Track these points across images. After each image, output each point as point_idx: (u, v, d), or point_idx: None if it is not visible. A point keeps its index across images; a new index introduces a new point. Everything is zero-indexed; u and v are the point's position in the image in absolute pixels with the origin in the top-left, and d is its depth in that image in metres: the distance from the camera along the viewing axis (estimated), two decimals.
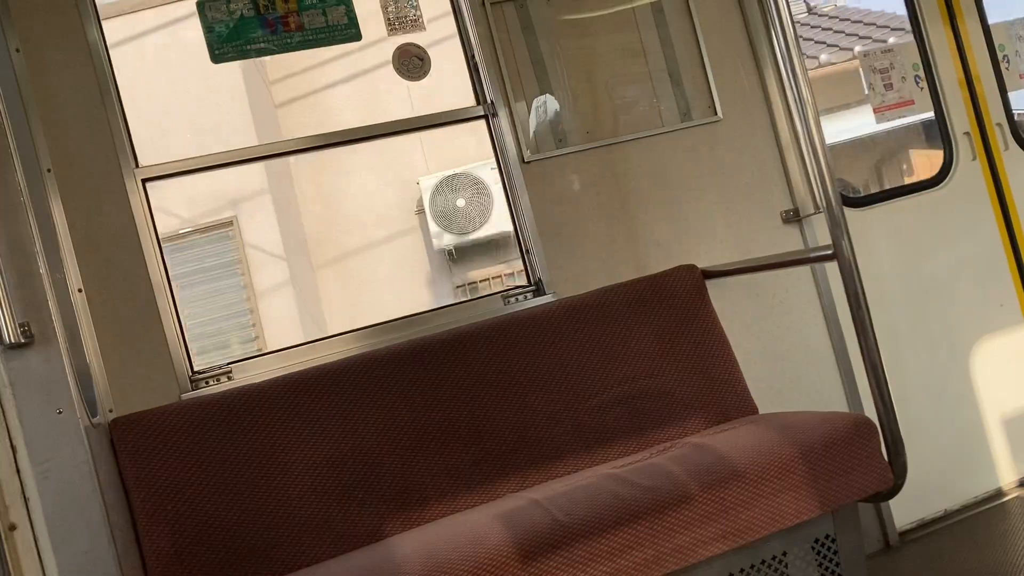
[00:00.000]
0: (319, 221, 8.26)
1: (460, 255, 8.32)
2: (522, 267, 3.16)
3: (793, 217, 3.35)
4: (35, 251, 2.11)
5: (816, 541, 2.43)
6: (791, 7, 2.48)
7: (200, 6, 2.81)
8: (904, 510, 3.29)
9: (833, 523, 2.45)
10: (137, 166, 2.72)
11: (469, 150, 7.97)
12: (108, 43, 2.74)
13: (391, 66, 3.04)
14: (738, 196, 3.32)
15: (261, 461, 2.48)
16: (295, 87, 8.32)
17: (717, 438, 2.50)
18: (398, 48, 3.05)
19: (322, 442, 2.54)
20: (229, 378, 2.73)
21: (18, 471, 1.93)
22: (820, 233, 3.30)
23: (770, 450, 2.30)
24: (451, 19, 3.15)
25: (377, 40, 3.05)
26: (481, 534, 2.09)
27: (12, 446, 1.93)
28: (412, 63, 3.06)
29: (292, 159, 7.99)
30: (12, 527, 1.90)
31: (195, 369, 2.73)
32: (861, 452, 2.35)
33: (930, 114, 3.69)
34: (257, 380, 2.65)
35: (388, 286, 8.15)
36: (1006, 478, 3.52)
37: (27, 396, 1.99)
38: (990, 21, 3.75)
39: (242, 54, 2.86)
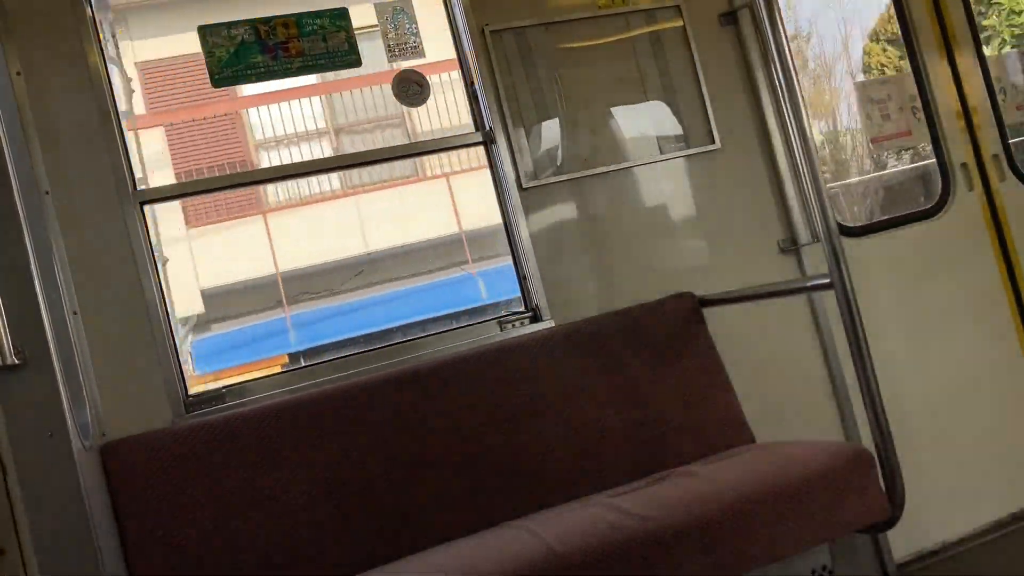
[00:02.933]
0: None
1: None
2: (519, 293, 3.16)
3: (790, 246, 3.35)
4: (31, 272, 2.10)
5: (813, 572, 2.41)
6: (788, 37, 2.50)
7: (201, 31, 2.83)
8: (903, 542, 3.26)
9: (830, 554, 2.43)
10: (135, 189, 2.72)
11: None
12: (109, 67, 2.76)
13: None
14: (735, 224, 3.33)
15: (254, 487, 2.46)
16: None
17: (713, 467, 2.49)
18: (397, 74, 3.07)
19: (316, 468, 2.52)
20: (224, 402, 2.71)
21: (8, 495, 1.91)
22: (817, 262, 3.30)
23: (766, 480, 2.28)
24: None
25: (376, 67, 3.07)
26: (475, 563, 2.07)
27: (3, 468, 1.91)
28: (412, 89, 3.07)
29: None
30: (1, 552, 1.88)
31: (190, 393, 2.71)
32: (858, 483, 2.34)
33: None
34: (252, 405, 2.63)
35: None
36: (1005, 510, 3.49)
37: (19, 418, 1.97)
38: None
39: (242, 79, 2.87)
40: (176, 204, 7.61)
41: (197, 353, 8.08)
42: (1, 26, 2.52)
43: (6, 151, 2.14)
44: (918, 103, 3.69)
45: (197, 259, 8.48)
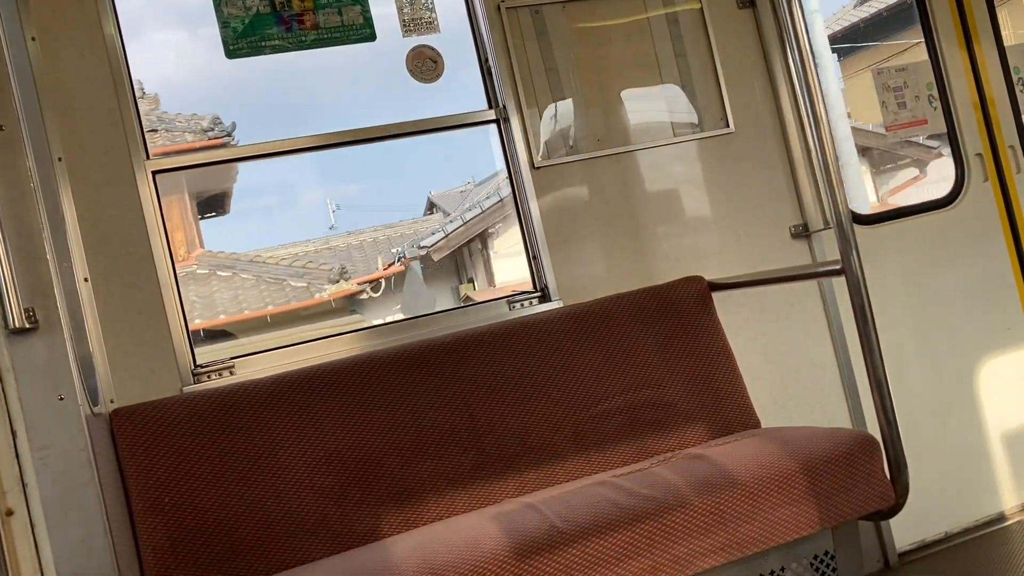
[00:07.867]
0: None
1: None
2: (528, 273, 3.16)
3: (802, 232, 3.34)
4: (43, 238, 2.11)
5: (815, 557, 2.42)
6: (806, 21, 2.48)
7: (216, 2, 2.82)
8: (905, 530, 3.26)
9: (833, 540, 2.44)
10: (148, 158, 2.72)
11: None
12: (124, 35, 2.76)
13: None
14: (747, 209, 3.32)
15: (260, 457, 2.47)
16: None
17: (718, 450, 2.49)
18: (412, 50, 3.06)
19: (321, 440, 2.53)
20: (231, 373, 2.73)
21: (17, 456, 1.93)
22: (829, 249, 3.29)
23: (771, 463, 2.29)
24: None
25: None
26: (477, 537, 2.09)
27: (12, 430, 1.93)
28: (426, 65, 3.06)
29: None
30: (9, 512, 1.90)
31: (197, 363, 2.72)
32: (863, 469, 2.34)
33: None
34: (259, 376, 2.65)
35: None
36: (1009, 502, 3.49)
37: (29, 381, 1.99)
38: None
39: (256, 51, 2.86)
40: None
41: None
42: None
43: (20, 117, 2.14)
44: (935, 92, 3.66)
45: None
